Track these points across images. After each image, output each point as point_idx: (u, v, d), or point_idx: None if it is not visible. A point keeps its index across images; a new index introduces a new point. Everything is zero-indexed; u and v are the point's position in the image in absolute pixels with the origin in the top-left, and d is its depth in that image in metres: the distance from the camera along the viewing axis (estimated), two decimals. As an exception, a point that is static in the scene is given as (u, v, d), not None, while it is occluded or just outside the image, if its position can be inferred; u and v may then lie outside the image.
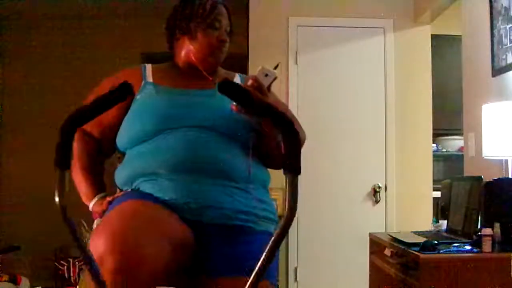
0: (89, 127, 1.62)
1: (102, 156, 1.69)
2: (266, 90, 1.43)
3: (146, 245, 1.19)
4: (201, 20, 1.60)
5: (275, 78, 1.44)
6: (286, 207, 0.91)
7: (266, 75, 1.42)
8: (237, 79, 1.73)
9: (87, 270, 1.04)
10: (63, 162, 1.01)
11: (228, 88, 1.00)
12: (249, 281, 0.96)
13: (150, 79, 1.62)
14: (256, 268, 0.96)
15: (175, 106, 1.54)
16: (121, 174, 1.55)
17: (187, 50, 1.64)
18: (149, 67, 1.67)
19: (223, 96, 1.53)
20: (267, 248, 0.96)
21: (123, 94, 1.05)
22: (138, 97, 1.58)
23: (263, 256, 0.95)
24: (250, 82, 1.41)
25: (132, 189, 1.49)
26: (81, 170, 1.62)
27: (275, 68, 1.44)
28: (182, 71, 1.67)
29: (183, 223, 1.38)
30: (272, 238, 0.96)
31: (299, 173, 0.91)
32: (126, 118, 1.57)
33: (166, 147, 1.46)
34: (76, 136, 1.62)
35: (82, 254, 1.02)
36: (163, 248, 1.23)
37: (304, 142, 1.68)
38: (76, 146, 1.64)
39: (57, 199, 1.00)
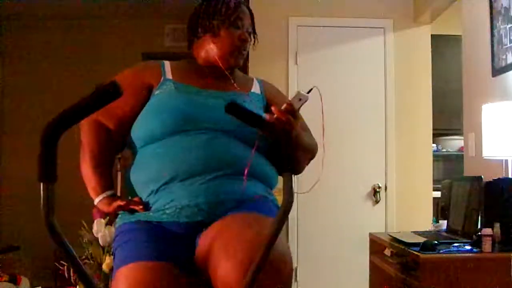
0: (103, 117, 1.58)
1: (113, 149, 1.66)
2: (298, 114, 1.48)
3: None
4: (225, 18, 1.59)
5: (306, 101, 1.49)
6: (284, 197, 1.14)
7: (300, 99, 1.47)
8: (255, 83, 1.74)
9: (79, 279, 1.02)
10: (50, 173, 0.90)
11: (234, 110, 1.17)
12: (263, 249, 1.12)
13: (169, 75, 1.60)
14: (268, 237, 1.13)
15: (195, 106, 1.52)
16: (135, 178, 1.52)
17: (208, 48, 1.62)
18: (167, 63, 1.64)
19: (245, 101, 1.55)
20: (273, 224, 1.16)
21: (111, 96, 0.94)
22: (157, 92, 1.56)
23: (274, 225, 1.14)
24: (284, 106, 1.42)
25: (142, 220, 1.46)
26: (90, 162, 1.59)
27: (309, 92, 1.47)
28: (202, 71, 1.64)
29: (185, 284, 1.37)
30: (278, 213, 1.16)
31: (294, 173, 1.20)
32: (143, 112, 1.54)
33: (181, 151, 1.45)
34: (88, 126, 1.60)
35: (71, 264, 0.95)
36: None
37: (316, 151, 1.79)
38: (87, 136, 1.61)
39: (44, 217, 0.89)
